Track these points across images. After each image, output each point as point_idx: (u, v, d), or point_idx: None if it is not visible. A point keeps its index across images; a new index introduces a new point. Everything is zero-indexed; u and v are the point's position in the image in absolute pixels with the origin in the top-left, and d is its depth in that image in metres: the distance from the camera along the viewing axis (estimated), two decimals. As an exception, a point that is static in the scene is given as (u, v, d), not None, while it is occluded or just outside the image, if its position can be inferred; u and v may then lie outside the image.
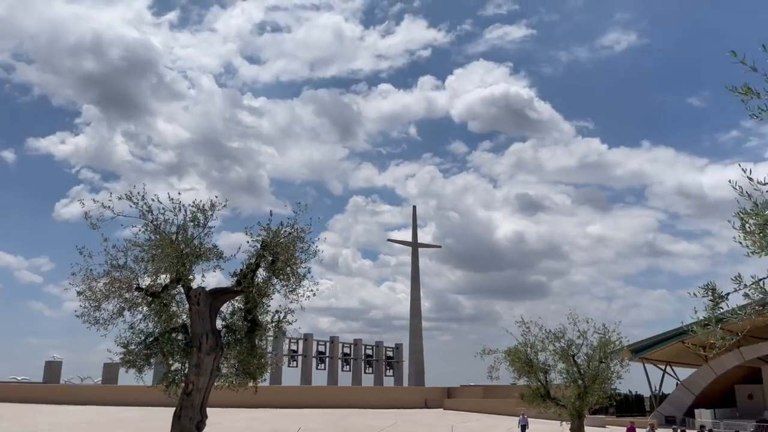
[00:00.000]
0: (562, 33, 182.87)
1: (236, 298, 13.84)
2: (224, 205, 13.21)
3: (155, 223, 13.17)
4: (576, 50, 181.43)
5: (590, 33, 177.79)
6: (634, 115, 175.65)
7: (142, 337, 13.30)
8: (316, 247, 13.49)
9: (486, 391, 60.71)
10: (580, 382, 19.44)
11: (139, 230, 13.22)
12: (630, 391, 65.33)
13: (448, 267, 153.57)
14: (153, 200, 13.25)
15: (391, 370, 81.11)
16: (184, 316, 13.68)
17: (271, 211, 13.38)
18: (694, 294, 7.13)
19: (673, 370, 60.04)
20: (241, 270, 13.26)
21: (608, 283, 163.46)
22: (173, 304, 13.61)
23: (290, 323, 13.75)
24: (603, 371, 19.49)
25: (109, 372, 73.77)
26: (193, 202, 13.23)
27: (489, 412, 53.81)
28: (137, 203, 13.18)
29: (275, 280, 13.40)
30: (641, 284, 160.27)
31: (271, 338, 14.06)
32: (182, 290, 13.47)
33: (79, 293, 13.19)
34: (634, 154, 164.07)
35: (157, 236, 13.13)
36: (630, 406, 63.80)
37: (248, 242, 13.34)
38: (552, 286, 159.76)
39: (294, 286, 13.51)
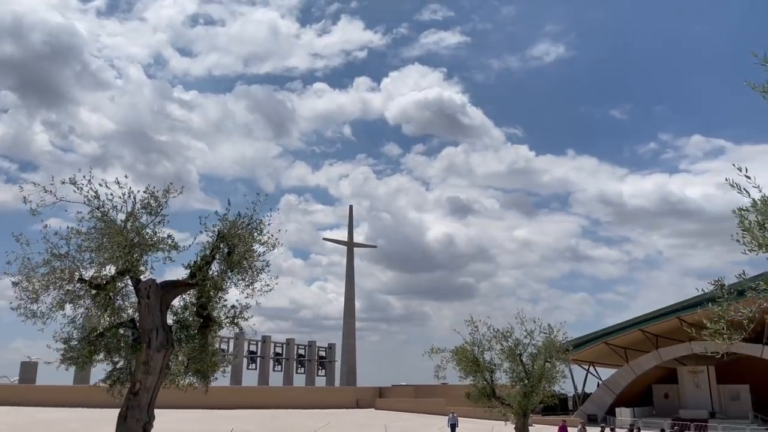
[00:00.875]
0: (495, 42, 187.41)
1: (189, 292, 13.08)
2: (180, 192, 12.44)
3: (102, 209, 12.24)
4: (508, 59, 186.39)
5: (521, 43, 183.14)
6: (560, 124, 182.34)
7: (85, 333, 12.32)
8: (276, 239, 12.88)
9: (417, 391, 61.13)
10: (526, 381, 19.69)
11: (84, 217, 12.26)
12: (554, 391, 67.40)
13: (379, 267, 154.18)
14: (100, 185, 12.32)
15: (323, 370, 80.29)
16: (131, 310, 12.80)
17: (229, 200, 12.73)
18: (702, 289, 7.18)
19: (596, 370, 62.43)
20: (195, 262, 12.49)
21: (533, 285, 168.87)
22: (119, 298, 12.70)
23: (246, 319, 13.12)
24: (548, 371, 19.83)
25: (27, 371, 69.54)
26: (146, 188, 12.39)
27: (420, 411, 54.15)
28: (81, 188, 12.23)
29: (231, 274, 12.71)
30: (564, 287, 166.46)
31: (230, 336, 13.34)
32: (129, 283, 12.59)
33: (14, 284, 12.10)
34: (559, 162, 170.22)
35: (104, 224, 12.21)
36: (554, 405, 65.92)
37: (203, 232, 12.62)
38: (480, 288, 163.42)
39: (251, 280, 12.87)
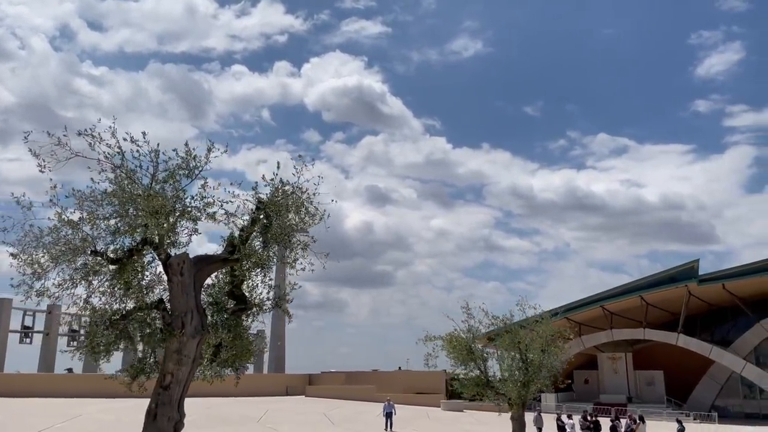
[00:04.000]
0: (415, 34, 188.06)
1: (223, 270, 11.30)
2: (225, 151, 10.60)
3: (128, 168, 10.21)
4: (427, 52, 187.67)
5: (441, 37, 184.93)
6: (476, 118, 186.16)
7: (107, 315, 10.28)
8: (324, 211, 11.27)
9: (348, 378, 60.17)
10: (527, 370, 19.21)
11: (106, 177, 10.18)
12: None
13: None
14: (125, 139, 10.28)
15: (252, 357, 76.90)
16: (160, 289, 10.84)
17: (278, 163, 10.97)
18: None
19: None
20: (239, 234, 10.70)
21: (448, 274, 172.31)
22: (147, 274, 10.71)
23: (290, 301, 11.51)
24: (547, 359, 19.47)
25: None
26: (186, 145, 10.47)
27: (351, 398, 53.25)
28: (100, 141, 10.14)
29: (276, 248, 11.02)
30: (477, 276, 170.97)
31: (266, 320, 11.59)
32: (154, 256, 10.63)
33: (13, 256, 9.85)
34: (475, 155, 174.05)
35: (130, 185, 10.20)
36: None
37: (247, 200, 10.84)
38: (397, 276, 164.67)
39: (296, 257, 11.24)
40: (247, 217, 10.90)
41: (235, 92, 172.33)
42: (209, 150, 10.40)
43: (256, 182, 11.13)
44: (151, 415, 10.11)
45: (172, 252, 10.48)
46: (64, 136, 9.93)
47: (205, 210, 10.28)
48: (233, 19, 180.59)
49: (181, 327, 10.11)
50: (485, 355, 20.57)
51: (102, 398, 41.34)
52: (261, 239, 10.97)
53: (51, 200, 9.98)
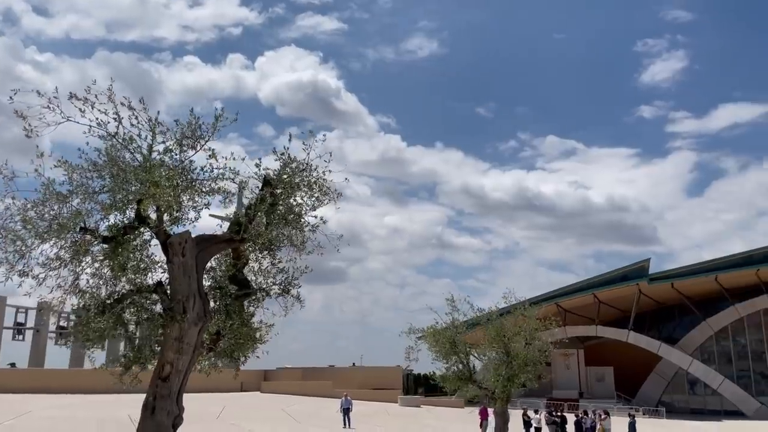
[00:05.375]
0: (371, 32, 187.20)
1: (225, 251, 10.38)
2: (235, 119, 9.68)
3: (125, 136, 9.19)
4: (383, 50, 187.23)
5: (397, 36, 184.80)
6: (430, 117, 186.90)
7: (99, 300, 9.23)
8: (336, 191, 10.48)
9: (305, 374, 59.13)
10: (513, 363, 18.90)
11: (102, 146, 9.14)
12: (433, 372, 68.77)
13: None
14: (123, 104, 9.26)
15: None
16: (160, 272, 9.83)
17: (290, 135, 10.11)
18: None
19: (475, 353, 64.46)
20: (245, 212, 9.80)
21: (401, 271, 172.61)
22: (144, 255, 9.68)
23: (299, 287, 10.69)
24: (532, 353, 19.22)
25: None
26: (191, 112, 9.51)
27: (308, 394, 52.32)
28: (92, 107, 9.10)
29: (281, 230, 10.16)
30: (430, 273, 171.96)
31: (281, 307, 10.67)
32: (152, 235, 9.64)
33: (-8, 230, 8.71)
34: (428, 154, 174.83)
35: (127, 155, 9.19)
36: (434, 386, 67.24)
37: (254, 176, 9.94)
38: (350, 272, 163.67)
39: (302, 239, 10.43)
40: (254, 195, 10.03)
41: (187, 83, 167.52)
42: (217, 118, 9.48)
43: (260, 158, 10.27)
44: (149, 409, 9.14)
45: (173, 231, 9.54)
46: (55, 98, 8.85)
47: (216, 182, 9.35)
48: (185, 9, 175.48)
49: (183, 312, 9.19)
50: (468, 348, 20.20)
51: (48, 394, 39.19)
52: (267, 219, 10.09)
53: (36, 170, 8.88)
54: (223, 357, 10.81)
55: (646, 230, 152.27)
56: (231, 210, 10.09)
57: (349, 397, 34.68)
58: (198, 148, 9.50)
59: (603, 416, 27.99)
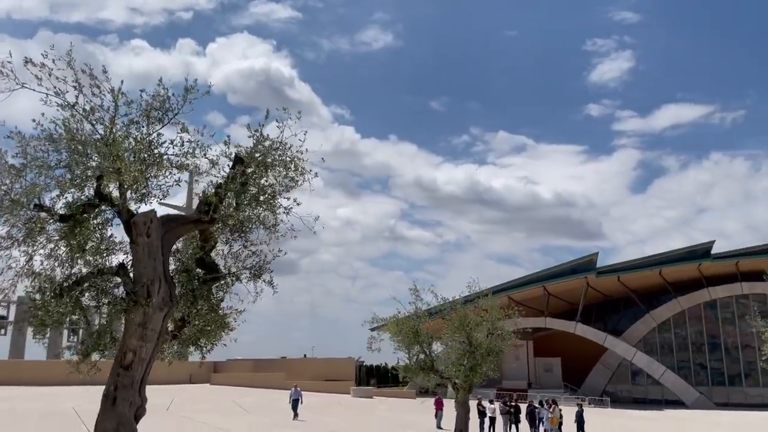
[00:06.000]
0: (326, 21, 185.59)
1: (193, 233, 9.77)
2: (207, 92, 9.05)
3: (86, 107, 8.49)
4: (338, 40, 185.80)
5: (351, 27, 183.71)
6: (385, 109, 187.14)
7: (55, 283, 8.51)
8: (311, 171, 9.97)
9: (256, 366, 58.16)
10: (475, 353, 18.81)
11: (59, 118, 8.41)
12: (385, 363, 68.96)
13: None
14: (84, 71, 8.55)
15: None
16: (123, 255, 9.16)
17: (267, 111, 9.55)
18: None
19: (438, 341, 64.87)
20: (216, 190, 9.19)
21: (353, 263, 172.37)
22: (104, 236, 8.98)
23: (272, 271, 10.17)
24: (494, 343, 19.18)
25: None
26: (159, 82, 8.85)
27: (259, 386, 51.51)
28: (50, 74, 8.38)
29: (258, 211, 9.62)
30: (382, 265, 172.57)
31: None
32: (113, 214, 8.96)
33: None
34: (382, 146, 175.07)
35: (89, 127, 8.50)
36: (386, 377, 67.29)
37: (227, 152, 9.35)
38: (301, 264, 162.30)
39: (274, 222, 9.90)
40: (224, 174, 9.45)
41: (134, 68, 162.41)
42: (188, 90, 8.85)
43: (228, 135, 9.70)
44: (110, 399, 8.51)
45: (137, 208, 8.88)
46: (9, 62, 8.10)
47: (187, 157, 8.73)
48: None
49: (147, 297, 8.59)
50: (431, 339, 20.05)
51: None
52: (238, 200, 9.54)
53: (-13, 140, 8.12)
54: (188, 345, 10.21)
55: (591, 225, 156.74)
56: (200, 188, 9.44)
57: (298, 389, 34.02)
58: (166, 121, 8.86)
59: (552, 406, 28.49)
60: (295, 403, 32.55)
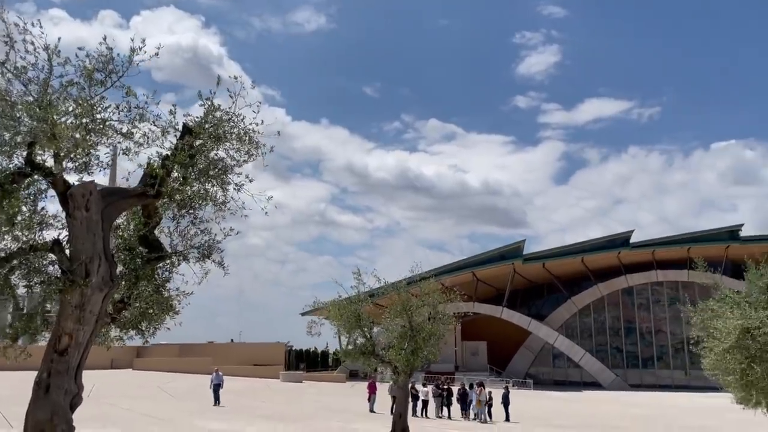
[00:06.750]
0: (257, 0, 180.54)
1: (136, 208, 9.03)
2: (156, 54, 8.28)
3: (16, 65, 7.61)
4: (269, 19, 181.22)
5: (283, 6, 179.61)
6: (317, 92, 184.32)
7: None
8: (264, 145, 9.40)
9: (182, 350, 56.35)
10: (417, 337, 18.72)
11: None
12: (315, 348, 68.59)
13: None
14: (17, 25, 7.65)
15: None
16: (59, 229, 8.31)
17: (219, 78, 8.87)
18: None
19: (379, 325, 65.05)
20: (164, 162, 8.48)
21: (282, 247, 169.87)
22: (35, 208, 8.12)
23: (223, 251, 9.55)
24: (435, 328, 19.16)
25: None
26: (103, 40, 8.04)
27: (184, 371, 49.99)
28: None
29: (208, 186, 8.98)
30: (311, 250, 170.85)
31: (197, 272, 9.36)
32: (47, 185, 8.13)
33: None
34: (313, 130, 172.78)
35: (17, 88, 7.63)
36: (316, 361, 66.93)
37: (173, 122, 8.65)
38: (228, 247, 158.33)
39: (224, 199, 9.30)
40: (170, 145, 8.77)
41: (52, 39, 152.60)
42: (133, 51, 8.10)
43: (174, 105, 9.01)
44: (43, 387, 7.76)
45: (73, 179, 8.09)
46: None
47: (134, 123, 7.99)
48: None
49: (85, 276, 7.86)
50: (372, 323, 19.84)
51: None
52: (185, 173, 8.89)
53: None
54: (128, 329, 9.49)
55: (516, 214, 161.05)
56: (143, 158, 8.69)
57: (220, 373, 32.62)
58: (109, 84, 8.09)
59: (479, 389, 29.18)
60: (216, 389, 31.16)
